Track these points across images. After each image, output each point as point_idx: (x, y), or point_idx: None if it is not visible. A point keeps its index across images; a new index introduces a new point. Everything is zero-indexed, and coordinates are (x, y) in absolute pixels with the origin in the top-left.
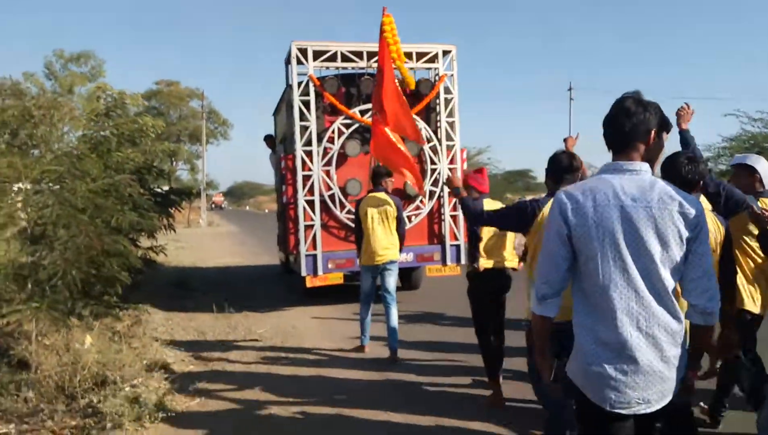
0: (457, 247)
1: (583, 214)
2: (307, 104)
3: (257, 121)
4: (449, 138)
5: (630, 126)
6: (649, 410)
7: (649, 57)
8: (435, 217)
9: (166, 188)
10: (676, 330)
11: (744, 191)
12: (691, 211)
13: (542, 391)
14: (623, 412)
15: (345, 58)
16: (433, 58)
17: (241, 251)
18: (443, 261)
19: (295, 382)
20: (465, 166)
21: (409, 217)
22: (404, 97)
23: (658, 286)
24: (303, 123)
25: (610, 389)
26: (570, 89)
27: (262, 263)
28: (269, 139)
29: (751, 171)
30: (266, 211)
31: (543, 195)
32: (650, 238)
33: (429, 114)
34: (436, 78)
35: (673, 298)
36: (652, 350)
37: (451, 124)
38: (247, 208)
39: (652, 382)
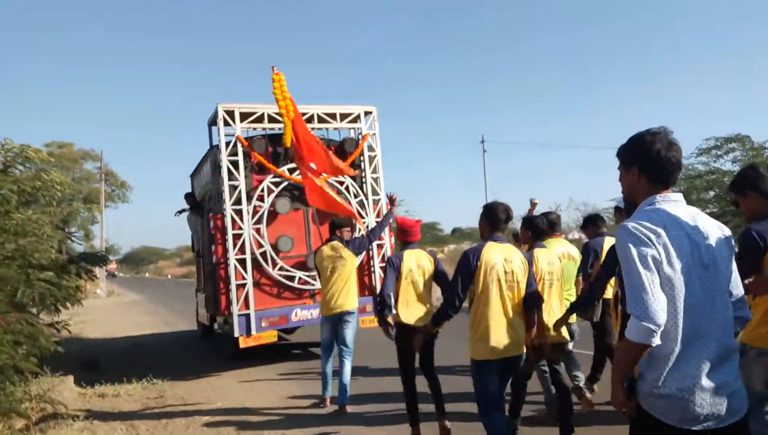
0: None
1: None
2: (235, 164)
3: (156, 184)
4: (375, 193)
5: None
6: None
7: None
8: (365, 269)
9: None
10: None
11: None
12: None
13: (491, 422)
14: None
15: (271, 119)
16: (356, 119)
17: (152, 321)
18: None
19: None
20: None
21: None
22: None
23: None
24: (232, 182)
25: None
26: (483, 141)
27: (178, 330)
28: (190, 198)
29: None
30: (168, 276)
31: (478, 243)
32: None
33: (355, 170)
34: (360, 137)
35: None
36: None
37: (376, 180)
38: (147, 274)
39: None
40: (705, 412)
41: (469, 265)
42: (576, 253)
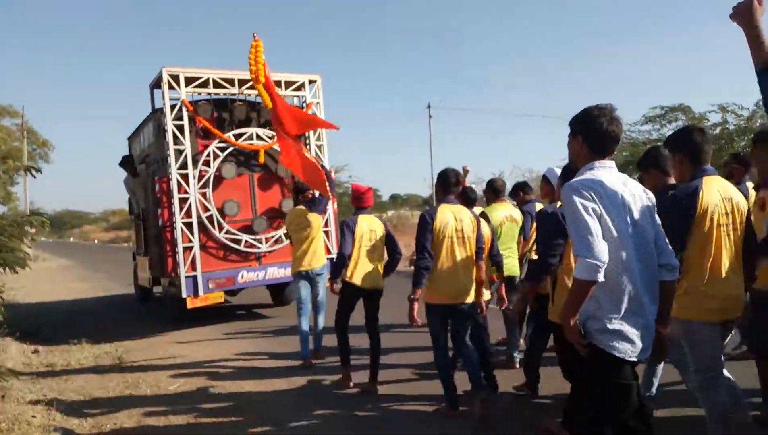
0: (331, 260)
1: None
2: (180, 128)
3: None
4: (319, 159)
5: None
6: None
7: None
8: None
9: None
10: None
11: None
12: None
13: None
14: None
15: (217, 84)
16: (301, 87)
17: (87, 287)
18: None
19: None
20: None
21: (285, 235)
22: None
23: None
24: (177, 147)
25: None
26: (429, 107)
27: (115, 294)
28: (126, 162)
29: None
30: (95, 241)
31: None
32: None
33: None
34: (304, 105)
35: None
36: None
37: (320, 147)
38: (71, 239)
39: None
40: (639, 346)
41: (427, 223)
42: (518, 216)
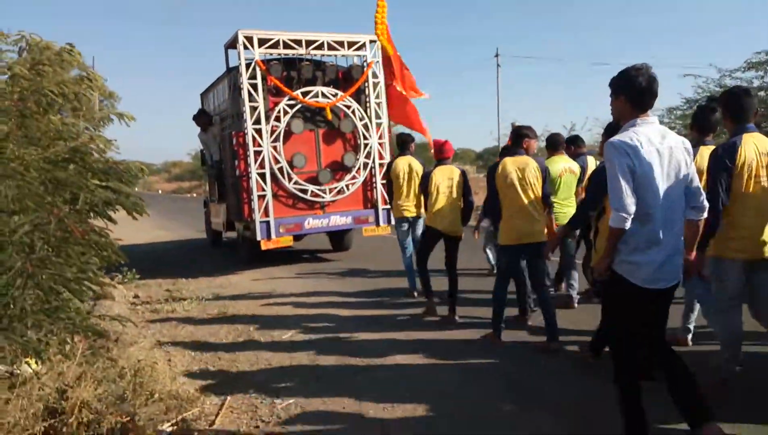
0: (387, 210)
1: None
2: (254, 86)
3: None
4: (378, 117)
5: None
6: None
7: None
8: (368, 185)
9: None
10: None
11: None
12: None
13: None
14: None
15: (286, 46)
16: (362, 47)
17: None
18: (377, 223)
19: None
20: (392, 140)
21: (347, 186)
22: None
23: None
24: (252, 103)
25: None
26: (497, 55)
27: (190, 238)
28: (201, 117)
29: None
30: (159, 191)
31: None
32: None
33: (360, 96)
34: (365, 64)
35: None
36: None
37: (379, 105)
38: (136, 189)
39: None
40: (657, 275)
41: (492, 174)
42: (576, 168)
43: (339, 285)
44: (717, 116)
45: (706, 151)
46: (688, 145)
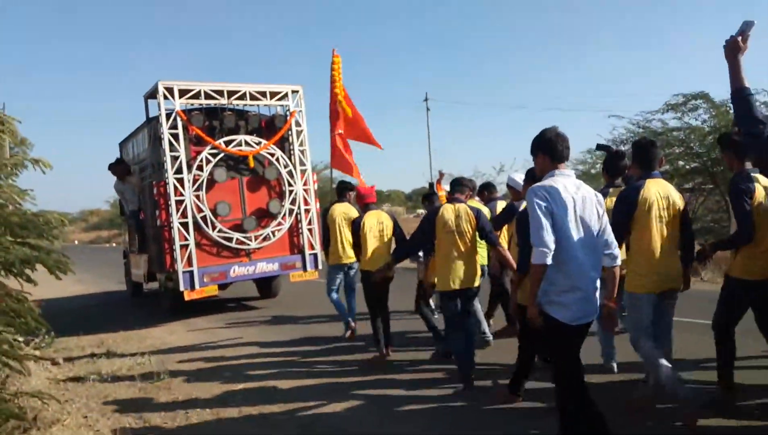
0: (314, 255)
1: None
2: (175, 136)
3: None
4: (302, 163)
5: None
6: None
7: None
8: (295, 231)
9: None
10: None
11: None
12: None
13: (451, 342)
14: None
15: (207, 96)
16: (284, 97)
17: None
18: (303, 268)
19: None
20: (316, 186)
21: (272, 232)
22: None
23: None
24: (173, 153)
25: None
26: (426, 100)
27: (108, 290)
28: (118, 166)
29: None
30: (76, 242)
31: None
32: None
33: (283, 143)
34: (288, 113)
35: None
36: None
37: (303, 152)
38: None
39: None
40: (581, 313)
41: (431, 221)
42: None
43: (275, 334)
44: (625, 162)
45: (614, 193)
46: (600, 197)
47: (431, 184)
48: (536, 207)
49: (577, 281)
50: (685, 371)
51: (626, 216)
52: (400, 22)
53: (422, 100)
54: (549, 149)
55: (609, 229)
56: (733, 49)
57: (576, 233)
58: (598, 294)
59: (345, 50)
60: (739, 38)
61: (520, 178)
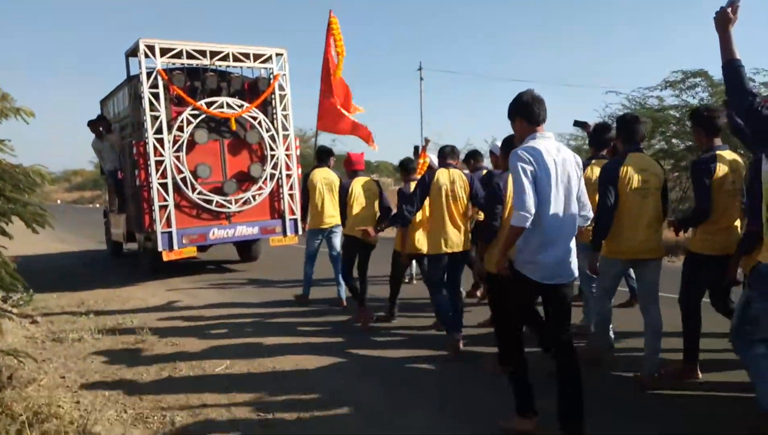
0: (295, 220)
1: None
2: (156, 96)
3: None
4: (285, 128)
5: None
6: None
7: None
8: (276, 195)
9: None
10: None
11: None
12: None
13: (438, 304)
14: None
15: (190, 56)
16: (268, 59)
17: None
18: (284, 232)
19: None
20: (298, 151)
21: (253, 196)
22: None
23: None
24: (153, 113)
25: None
26: (420, 69)
27: (89, 249)
28: (98, 123)
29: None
30: (58, 201)
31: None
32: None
33: (266, 107)
34: (271, 77)
35: None
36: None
37: (286, 117)
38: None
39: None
40: (553, 274)
41: (424, 184)
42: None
43: (254, 296)
44: (611, 135)
45: (597, 166)
46: (579, 160)
47: (416, 148)
48: (520, 170)
49: (552, 242)
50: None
51: (610, 186)
52: None
53: (416, 69)
54: (526, 113)
55: (584, 189)
56: (723, 21)
57: (555, 196)
58: (573, 256)
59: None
60: (729, 9)
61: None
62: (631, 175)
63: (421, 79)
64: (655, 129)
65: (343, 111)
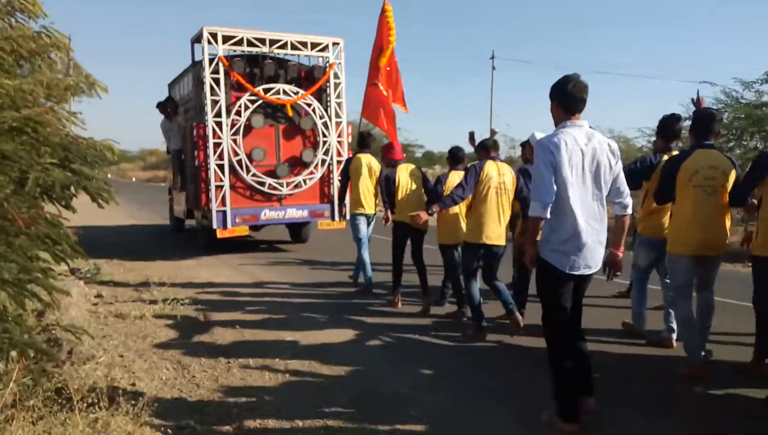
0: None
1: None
2: (216, 81)
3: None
4: (338, 116)
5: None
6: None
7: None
8: (326, 181)
9: None
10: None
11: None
12: None
13: (469, 289)
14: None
15: (250, 43)
16: (324, 48)
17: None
18: (332, 217)
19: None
20: (350, 139)
21: (304, 181)
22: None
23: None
24: (213, 97)
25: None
26: (492, 57)
27: (157, 223)
28: (167, 104)
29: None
30: (133, 179)
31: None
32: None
33: (321, 95)
34: (327, 65)
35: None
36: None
37: (339, 105)
38: (109, 175)
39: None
40: (580, 264)
41: (475, 173)
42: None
43: (309, 276)
44: (680, 126)
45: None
46: (615, 146)
47: (471, 134)
48: (540, 162)
49: (578, 231)
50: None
51: (669, 176)
52: None
53: (488, 58)
54: (564, 99)
55: (622, 177)
56: None
57: (581, 185)
58: (602, 245)
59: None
60: None
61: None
62: (694, 170)
63: (494, 68)
64: (752, 126)
65: (386, 105)
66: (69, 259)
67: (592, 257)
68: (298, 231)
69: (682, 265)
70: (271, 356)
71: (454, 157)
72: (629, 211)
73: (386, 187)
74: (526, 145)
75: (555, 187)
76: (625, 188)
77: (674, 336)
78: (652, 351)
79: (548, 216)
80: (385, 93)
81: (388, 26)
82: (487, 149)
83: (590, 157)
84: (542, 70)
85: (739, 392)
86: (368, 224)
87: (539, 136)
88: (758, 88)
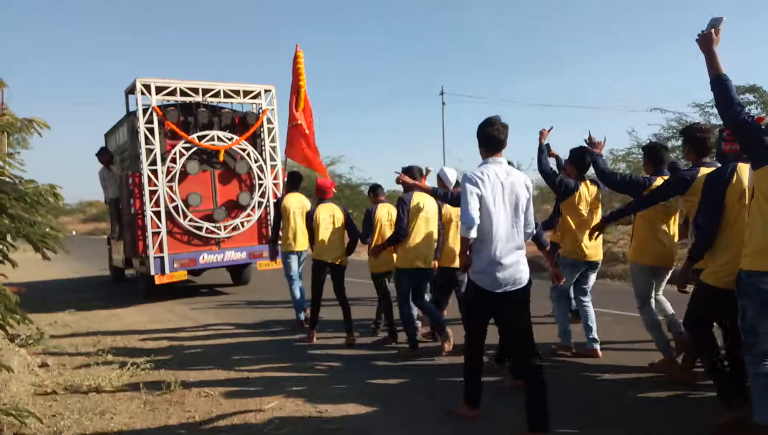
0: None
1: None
2: (151, 130)
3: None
4: (272, 159)
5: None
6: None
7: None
8: (263, 222)
9: None
10: None
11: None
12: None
13: (405, 312)
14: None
15: (183, 93)
16: (257, 96)
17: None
18: (271, 257)
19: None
20: (285, 180)
21: (242, 223)
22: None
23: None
24: (148, 146)
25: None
26: (442, 93)
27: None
28: (103, 154)
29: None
30: (73, 232)
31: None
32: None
33: (255, 140)
34: (260, 111)
35: None
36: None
37: (274, 148)
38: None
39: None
40: (502, 282)
41: (406, 204)
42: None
43: (254, 316)
44: (666, 154)
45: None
46: (529, 182)
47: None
48: (467, 191)
49: (499, 254)
50: None
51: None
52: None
53: (438, 94)
54: (486, 142)
55: (531, 208)
56: (707, 42)
57: (501, 213)
58: (522, 265)
59: (355, 41)
60: (712, 30)
61: (451, 173)
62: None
63: (443, 103)
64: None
65: (308, 140)
66: (7, 325)
67: (512, 276)
68: (238, 273)
69: (641, 273)
70: (255, 422)
71: (375, 191)
72: (529, 237)
73: (307, 223)
74: (438, 177)
75: (479, 213)
76: (532, 219)
77: (597, 346)
78: (583, 361)
79: (474, 235)
80: (306, 130)
81: (298, 72)
82: (381, 194)
83: (509, 189)
84: (492, 105)
85: (674, 394)
86: (299, 262)
87: (449, 171)
88: (708, 111)
